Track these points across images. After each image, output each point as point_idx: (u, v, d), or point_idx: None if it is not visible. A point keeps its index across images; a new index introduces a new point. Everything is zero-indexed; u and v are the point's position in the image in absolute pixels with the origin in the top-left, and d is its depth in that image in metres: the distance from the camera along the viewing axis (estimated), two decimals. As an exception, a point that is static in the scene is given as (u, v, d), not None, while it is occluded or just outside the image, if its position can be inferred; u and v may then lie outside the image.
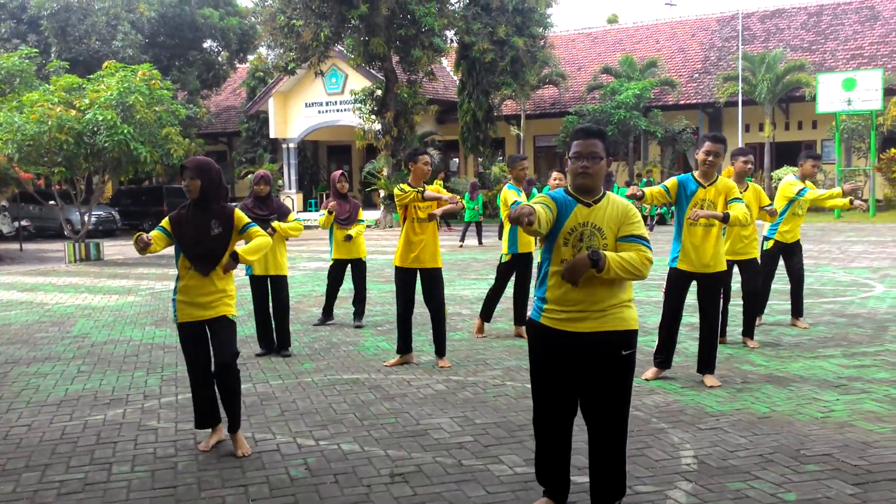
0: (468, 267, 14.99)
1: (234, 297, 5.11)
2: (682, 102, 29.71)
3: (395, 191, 7.01)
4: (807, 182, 8.39)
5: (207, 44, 36.12)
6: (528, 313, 3.92)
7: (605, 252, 3.55)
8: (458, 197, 7.20)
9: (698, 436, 4.95)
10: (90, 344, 8.51)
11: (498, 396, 5.99)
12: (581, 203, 3.69)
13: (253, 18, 34.68)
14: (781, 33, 31.43)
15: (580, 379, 3.73)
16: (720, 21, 33.40)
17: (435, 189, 7.06)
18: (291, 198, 32.67)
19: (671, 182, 6.26)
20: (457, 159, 35.20)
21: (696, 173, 6.21)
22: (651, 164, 29.60)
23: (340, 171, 9.33)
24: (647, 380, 6.30)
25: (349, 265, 9.15)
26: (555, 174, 8.88)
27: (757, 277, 7.57)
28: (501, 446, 4.88)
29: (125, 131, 16.55)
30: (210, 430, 5.12)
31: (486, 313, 8.38)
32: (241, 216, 5.02)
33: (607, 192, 3.76)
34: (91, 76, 18.78)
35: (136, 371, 7.19)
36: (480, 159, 30.43)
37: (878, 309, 9.18)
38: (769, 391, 5.90)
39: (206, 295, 4.95)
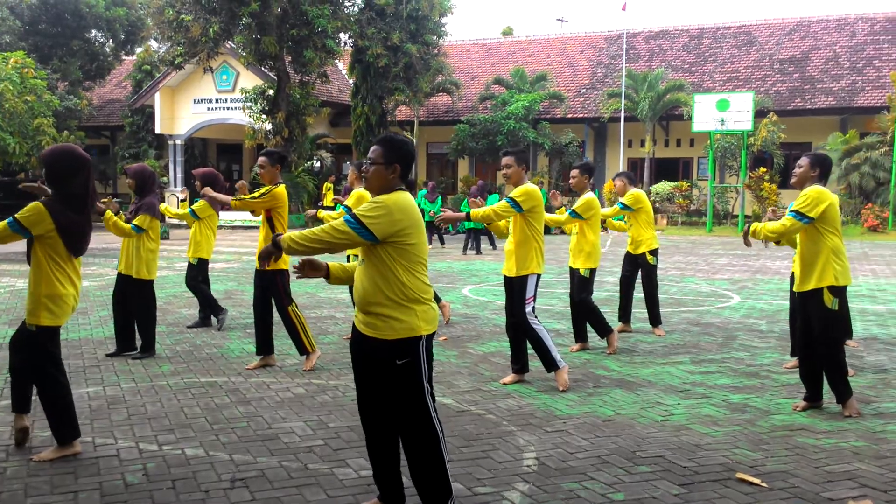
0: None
1: (44, 303, 4.65)
2: (569, 116, 30.50)
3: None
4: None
5: (92, 34, 34.70)
6: None
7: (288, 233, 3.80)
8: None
9: (543, 438, 5.08)
10: (-67, 343, 8.01)
11: (357, 400, 5.97)
12: None
13: (141, 10, 33.61)
14: (664, 53, 32.75)
15: (378, 380, 3.77)
16: (608, 39, 34.52)
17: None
18: (177, 196, 31.72)
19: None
20: (349, 163, 35.01)
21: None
22: (539, 175, 30.26)
23: (199, 171, 9.09)
24: (504, 384, 6.43)
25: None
26: (351, 169, 8.61)
27: (582, 287, 7.73)
28: (351, 450, 4.87)
29: (-9, 120, 15.71)
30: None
31: None
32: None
33: (396, 191, 3.72)
34: (-44, 61, 17.74)
35: (-22, 372, 6.80)
36: (372, 164, 30.37)
37: (731, 318, 9.66)
38: (617, 395, 6.12)
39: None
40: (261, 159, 7.08)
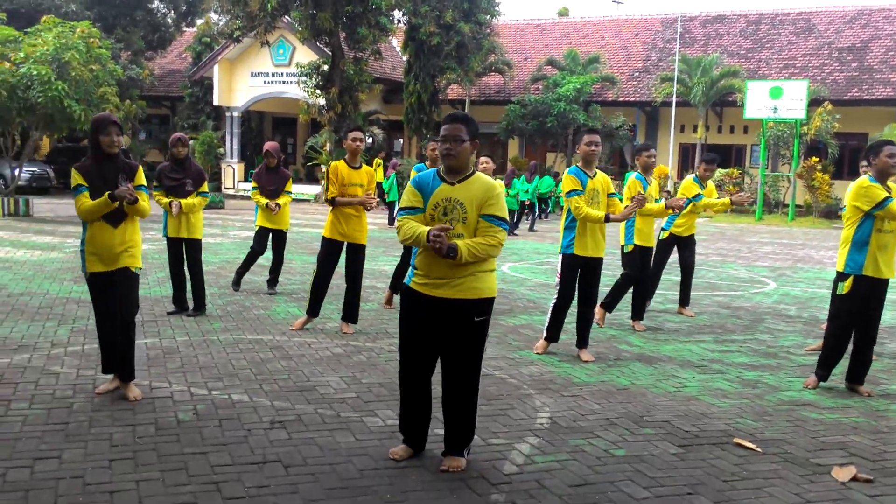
0: (395, 245, 15.37)
1: (140, 248, 5.42)
2: (621, 99, 30.43)
3: (331, 165, 7.47)
4: (707, 183, 8.96)
5: (154, 4, 35.57)
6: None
7: (459, 242, 4.02)
8: (374, 200, 7.55)
9: (559, 401, 5.46)
10: (6, 295, 8.68)
11: (389, 361, 6.41)
12: (445, 182, 4.15)
13: (201, -17, 34.38)
14: (721, 38, 32.39)
15: (439, 339, 4.19)
16: (663, 22, 34.23)
17: (371, 171, 7.50)
18: (233, 167, 32.59)
19: (572, 178, 6.72)
20: (401, 140, 35.47)
21: (580, 164, 6.69)
22: (588, 157, 30.30)
23: (271, 145, 9.58)
24: (537, 353, 6.78)
25: (270, 234, 9.47)
26: (483, 158, 9.15)
27: (650, 265, 8.14)
28: (380, 402, 5.31)
29: (59, 88, 16.45)
30: (112, 375, 5.44)
31: (395, 286, 8.82)
32: (141, 176, 5.32)
33: (476, 171, 4.22)
34: (28, 30, 18.56)
35: (47, 321, 7.43)
36: (423, 141, 30.75)
37: (762, 303, 9.86)
38: (635, 368, 6.45)
39: (113, 246, 5.25)
40: (360, 133, 7.45)
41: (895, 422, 5.22)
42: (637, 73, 31.73)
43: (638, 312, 8.13)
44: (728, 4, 77.64)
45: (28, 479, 3.93)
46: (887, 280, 5.82)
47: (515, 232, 18.79)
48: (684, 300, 9.00)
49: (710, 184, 9.10)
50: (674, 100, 28.00)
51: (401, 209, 4.23)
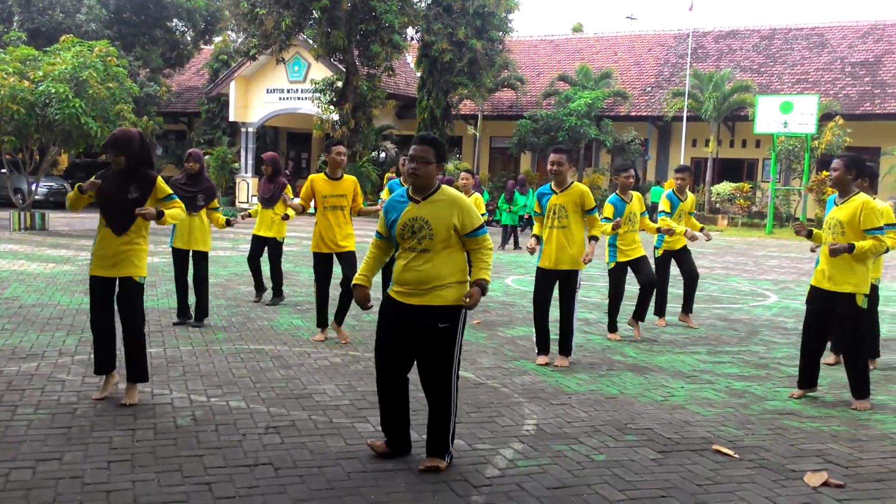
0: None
1: (145, 258, 5.56)
2: (633, 114, 30.60)
3: (308, 178, 7.68)
4: (683, 195, 9.01)
5: (173, 23, 36.15)
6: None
7: (482, 275, 4.33)
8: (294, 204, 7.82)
9: (547, 409, 5.60)
10: (18, 306, 8.94)
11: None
12: (412, 201, 4.39)
13: (219, 2, 34.93)
14: (733, 53, 32.51)
15: (411, 345, 4.43)
16: (676, 38, 34.39)
17: (354, 181, 7.67)
18: (247, 181, 32.97)
19: (535, 203, 7.05)
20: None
21: (552, 184, 6.93)
22: (599, 172, 30.48)
23: (267, 154, 9.89)
24: (538, 365, 6.91)
25: (266, 244, 9.68)
26: (462, 174, 9.58)
27: (651, 272, 8.25)
28: (372, 409, 5.45)
29: (76, 105, 16.84)
30: (105, 376, 5.62)
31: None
32: (162, 186, 5.50)
33: (441, 186, 4.42)
34: (48, 49, 19.01)
35: (56, 331, 7.66)
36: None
37: (760, 316, 9.96)
38: (626, 378, 6.59)
39: (117, 254, 5.44)
40: (342, 147, 7.65)
41: (875, 431, 5.32)
42: (649, 89, 31.89)
43: (638, 314, 8.23)
44: (742, 20, 77.75)
45: (29, 479, 4.13)
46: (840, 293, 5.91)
47: (520, 246, 18.88)
48: (687, 307, 9.09)
49: (691, 196, 9.16)
50: (685, 114, 28.13)
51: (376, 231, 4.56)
